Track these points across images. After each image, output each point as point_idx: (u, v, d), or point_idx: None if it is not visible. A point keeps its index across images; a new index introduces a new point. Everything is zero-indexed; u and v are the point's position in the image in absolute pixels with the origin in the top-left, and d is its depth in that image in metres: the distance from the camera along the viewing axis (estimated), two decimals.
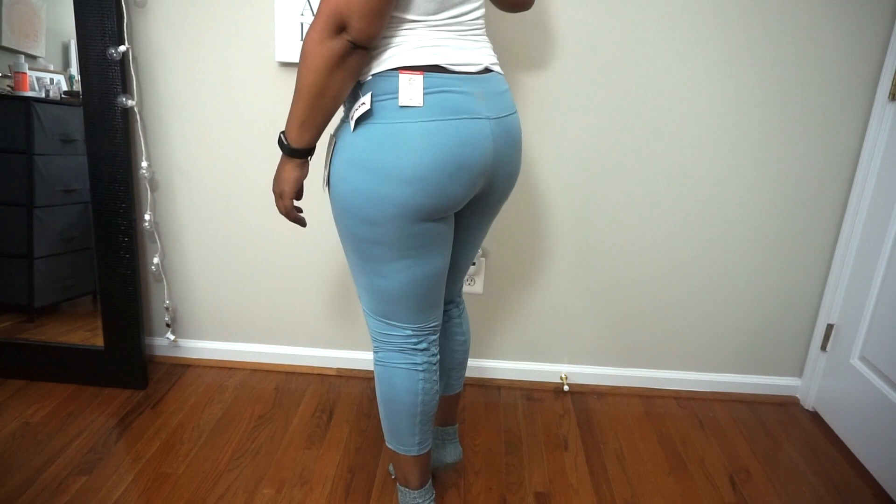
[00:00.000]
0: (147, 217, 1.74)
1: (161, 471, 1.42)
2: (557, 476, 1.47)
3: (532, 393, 1.82)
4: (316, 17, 0.84)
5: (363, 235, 0.98)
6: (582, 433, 1.64)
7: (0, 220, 1.67)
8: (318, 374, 1.87)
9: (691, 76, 1.57)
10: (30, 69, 1.58)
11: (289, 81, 1.61)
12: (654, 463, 1.54)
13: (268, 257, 1.79)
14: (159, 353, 1.91)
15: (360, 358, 1.87)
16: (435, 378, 1.13)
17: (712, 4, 1.51)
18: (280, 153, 0.95)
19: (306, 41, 0.85)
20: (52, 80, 1.59)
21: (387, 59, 0.92)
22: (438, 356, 1.16)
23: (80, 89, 1.57)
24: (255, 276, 1.81)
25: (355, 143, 0.93)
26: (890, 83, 1.52)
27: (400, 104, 0.90)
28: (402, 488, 1.23)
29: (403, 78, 0.90)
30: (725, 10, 1.51)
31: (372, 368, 1.88)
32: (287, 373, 1.87)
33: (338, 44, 0.84)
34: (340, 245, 1.76)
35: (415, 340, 1.10)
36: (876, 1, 1.49)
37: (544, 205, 1.70)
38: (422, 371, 1.11)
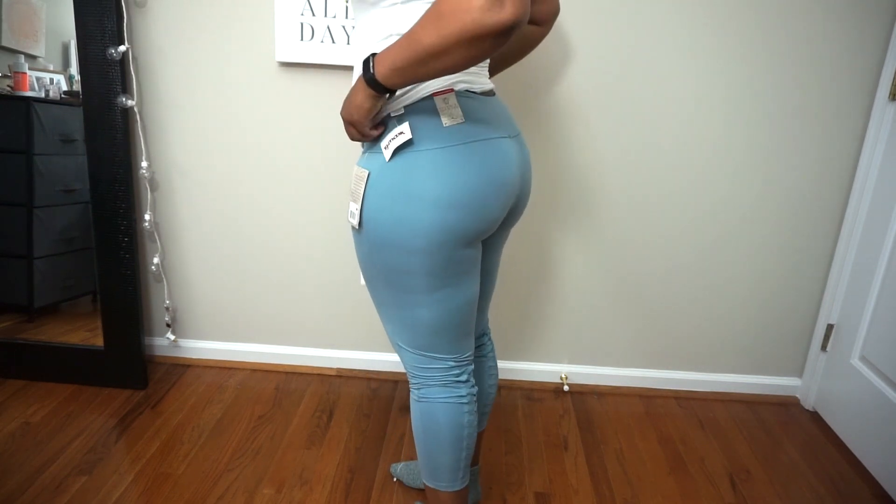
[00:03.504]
0: (147, 217, 1.74)
1: (161, 471, 1.42)
2: (557, 476, 1.47)
3: (532, 393, 1.82)
4: None
5: (404, 268, 0.94)
6: (582, 433, 1.64)
7: (0, 220, 1.67)
8: (318, 374, 1.87)
9: (691, 77, 1.57)
10: (30, 69, 1.58)
11: (289, 81, 1.61)
12: (654, 463, 1.54)
13: (268, 257, 1.79)
14: (159, 353, 1.91)
15: (360, 358, 1.87)
16: (475, 409, 1.11)
17: (711, 5, 1.51)
18: (358, 76, 0.87)
19: (451, 8, 0.73)
20: (52, 80, 1.59)
21: (420, 90, 0.90)
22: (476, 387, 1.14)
23: (80, 89, 1.57)
24: (255, 276, 1.81)
25: (394, 173, 0.90)
26: (890, 83, 1.52)
27: (445, 125, 0.89)
28: None
29: (438, 100, 0.89)
30: (725, 11, 1.51)
31: (372, 368, 1.88)
32: (287, 373, 1.87)
33: (488, 19, 0.72)
34: (341, 245, 1.76)
35: (457, 372, 1.06)
36: (876, 1, 1.49)
37: (544, 207, 1.70)
38: (466, 404, 1.07)
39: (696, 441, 1.63)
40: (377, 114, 0.91)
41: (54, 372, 1.74)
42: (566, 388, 1.84)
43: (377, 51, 0.87)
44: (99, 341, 1.72)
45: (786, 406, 1.82)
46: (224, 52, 1.60)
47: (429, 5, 0.85)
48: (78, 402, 1.67)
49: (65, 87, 1.60)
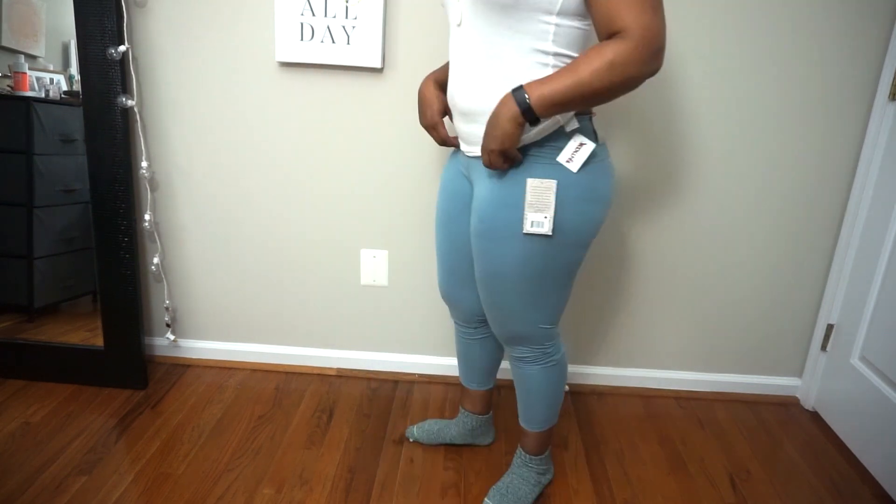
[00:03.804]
0: (147, 217, 1.74)
1: (161, 471, 1.42)
2: (557, 476, 1.47)
3: None
4: (642, 37, 0.87)
5: (578, 259, 1.11)
6: (582, 433, 1.64)
7: (0, 220, 1.67)
8: (318, 374, 1.87)
9: (690, 76, 1.57)
10: (30, 69, 1.58)
11: (289, 81, 1.61)
12: (654, 463, 1.54)
13: (268, 257, 1.79)
14: (159, 353, 1.91)
15: (360, 358, 1.87)
16: None
17: (711, 6, 1.51)
18: (503, 105, 0.97)
19: (633, 54, 0.88)
20: (52, 80, 1.59)
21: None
22: None
23: (80, 89, 1.57)
24: (255, 275, 1.81)
25: (582, 180, 1.03)
26: (890, 83, 1.52)
27: (599, 142, 1.07)
28: (546, 453, 1.39)
29: (594, 120, 1.09)
30: (724, 11, 1.51)
31: (372, 368, 1.88)
32: (287, 373, 1.87)
33: (651, 69, 0.90)
34: (341, 247, 1.76)
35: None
36: (876, 1, 1.49)
37: None
38: None
39: (696, 441, 1.63)
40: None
41: (54, 372, 1.74)
42: (566, 388, 1.84)
43: (514, 70, 0.99)
44: (99, 341, 1.72)
45: (786, 406, 1.82)
46: (224, 52, 1.60)
47: (582, 29, 0.98)
48: (78, 402, 1.67)
49: (65, 87, 1.60)
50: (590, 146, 1.01)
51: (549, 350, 1.23)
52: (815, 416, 1.77)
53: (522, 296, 1.13)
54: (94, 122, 1.57)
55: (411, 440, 1.56)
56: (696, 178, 1.66)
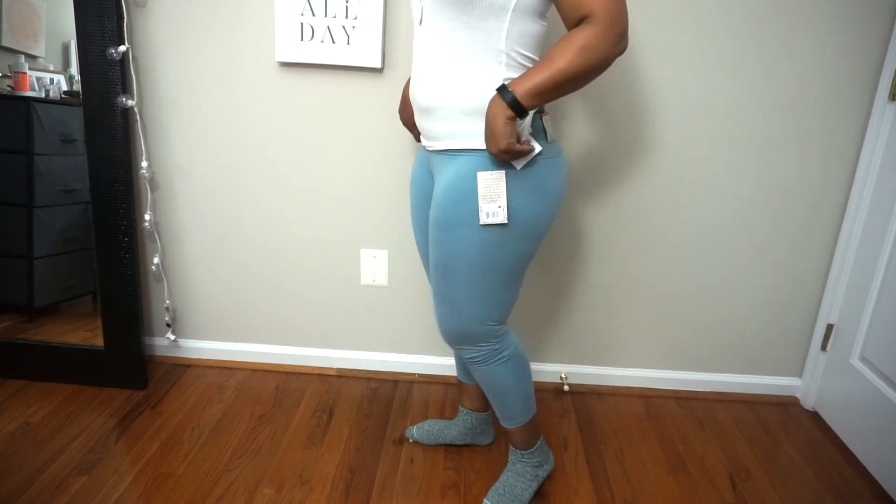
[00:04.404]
0: (147, 217, 1.74)
1: (161, 471, 1.42)
2: (557, 476, 1.47)
3: None
4: (606, 19, 0.94)
5: (526, 252, 1.14)
6: (582, 433, 1.64)
7: (0, 220, 1.67)
8: (318, 374, 1.87)
9: (690, 76, 1.57)
10: (30, 69, 1.58)
11: (289, 81, 1.61)
12: (654, 463, 1.54)
13: (268, 257, 1.79)
14: (159, 353, 1.91)
15: (360, 358, 1.87)
16: None
17: (711, 5, 1.51)
18: (504, 108, 1.00)
19: (601, 37, 0.94)
20: (52, 80, 1.59)
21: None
22: None
23: (80, 89, 1.57)
24: (255, 275, 1.81)
25: (530, 173, 1.08)
26: (890, 83, 1.52)
27: (549, 140, 1.11)
28: (537, 444, 1.37)
29: (545, 119, 1.11)
30: (725, 11, 1.51)
31: (372, 368, 1.88)
32: (287, 373, 1.87)
33: (619, 50, 0.97)
34: (341, 247, 1.76)
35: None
36: (876, 1, 1.49)
37: None
38: None
39: (696, 441, 1.63)
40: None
41: (54, 372, 1.74)
42: (566, 388, 1.84)
43: (470, 67, 1.03)
44: (99, 341, 1.72)
45: (786, 406, 1.82)
46: (224, 51, 1.60)
47: (536, 27, 1.04)
48: (78, 402, 1.67)
49: (65, 87, 1.60)
50: (537, 148, 1.06)
51: (497, 347, 1.22)
52: (815, 416, 1.77)
53: (473, 288, 1.14)
54: (94, 122, 1.57)
55: (411, 440, 1.56)
56: (695, 177, 1.66)
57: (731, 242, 1.72)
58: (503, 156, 1.03)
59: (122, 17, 1.53)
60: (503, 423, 1.33)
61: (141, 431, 1.55)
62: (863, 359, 1.60)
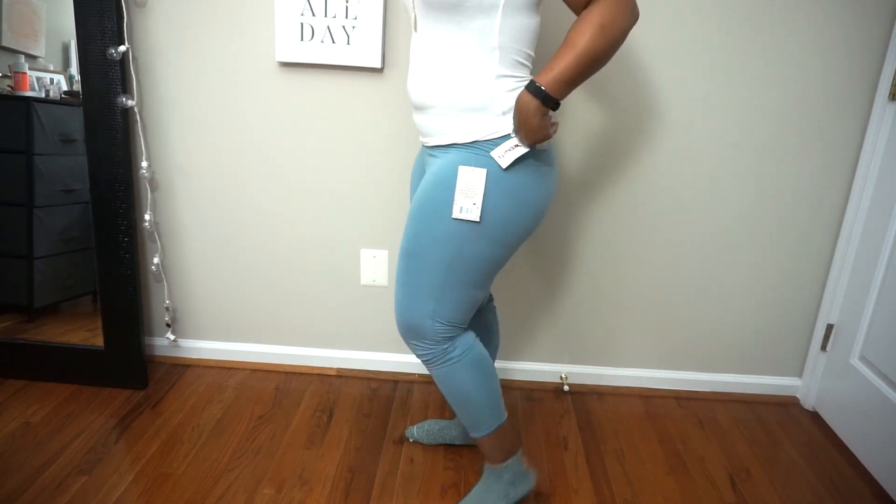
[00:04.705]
0: (147, 217, 1.74)
1: (161, 471, 1.42)
2: (557, 476, 1.47)
3: (532, 393, 1.82)
4: None
5: (492, 257, 1.11)
6: (582, 433, 1.64)
7: (0, 220, 1.67)
8: (318, 374, 1.87)
9: (690, 76, 1.57)
10: (30, 69, 1.58)
11: (289, 81, 1.61)
12: (654, 463, 1.54)
13: (268, 257, 1.79)
14: (159, 353, 1.91)
15: (360, 358, 1.87)
16: None
17: (711, 5, 1.51)
18: (536, 104, 1.00)
19: (616, 10, 0.95)
20: (52, 80, 1.59)
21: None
22: None
23: (80, 89, 1.57)
24: (255, 275, 1.81)
25: (512, 178, 1.06)
26: (890, 83, 1.52)
27: (538, 147, 1.07)
28: (511, 460, 1.28)
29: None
30: (724, 11, 1.51)
31: (372, 368, 1.88)
32: (287, 373, 1.87)
33: (635, 18, 0.98)
34: (341, 247, 1.76)
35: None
36: (876, 1, 1.49)
37: None
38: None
39: (696, 441, 1.63)
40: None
41: (54, 372, 1.74)
42: (566, 388, 1.84)
43: (462, 65, 1.04)
44: (99, 341, 1.72)
45: (786, 406, 1.82)
46: (224, 51, 1.60)
47: (527, 23, 1.04)
48: (78, 402, 1.67)
49: (65, 87, 1.60)
50: (522, 149, 1.05)
51: (446, 347, 1.18)
52: (815, 416, 1.77)
53: (431, 279, 1.12)
54: (94, 122, 1.57)
55: (411, 440, 1.56)
56: (695, 178, 1.66)
57: (731, 242, 1.72)
58: (535, 141, 1.04)
59: (122, 17, 1.53)
60: (469, 432, 1.27)
61: (141, 431, 1.55)
62: (863, 359, 1.60)
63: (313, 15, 1.52)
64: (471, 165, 1.06)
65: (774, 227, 1.70)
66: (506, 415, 1.26)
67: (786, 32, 1.52)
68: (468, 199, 1.06)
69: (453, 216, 1.07)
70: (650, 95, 1.59)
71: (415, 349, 1.20)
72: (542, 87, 0.98)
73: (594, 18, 0.95)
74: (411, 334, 1.18)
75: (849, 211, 1.65)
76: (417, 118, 1.16)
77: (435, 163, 1.13)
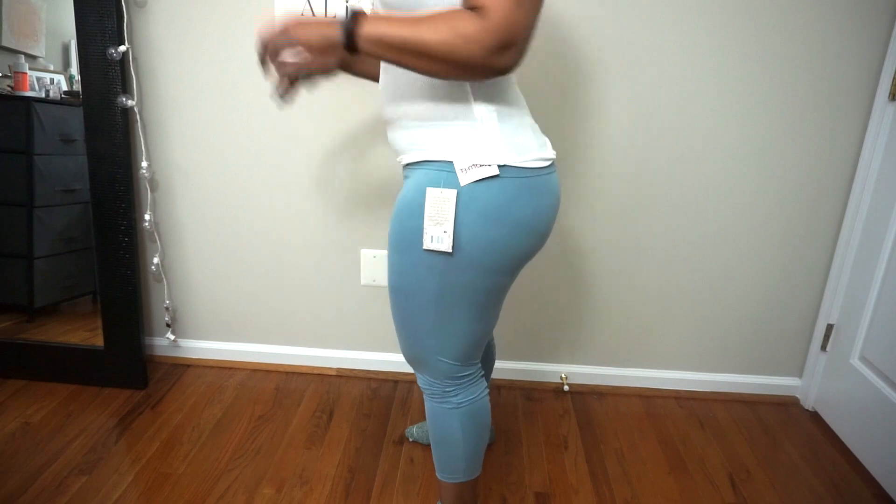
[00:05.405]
0: (147, 217, 1.74)
1: (161, 471, 1.42)
2: (557, 476, 1.47)
3: (532, 393, 1.82)
4: (493, 20, 0.75)
5: (483, 287, 0.97)
6: (582, 433, 1.64)
7: (0, 220, 1.67)
8: (318, 374, 1.87)
9: (690, 76, 1.57)
10: (30, 69, 1.58)
11: None
12: (654, 463, 1.54)
13: (268, 257, 1.79)
14: (159, 353, 1.91)
15: (360, 358, 1.87)
16: None
17: (711, 5, 1.51)
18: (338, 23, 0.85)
19: (479, 33, 0.76)
20: (52, 80, 1.59)
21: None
22: None
23: (80, 89, 1.57)
24: (255, 275, 1.81)
25: (489, 196, 0.91)
26: (890, 83, 1.52)
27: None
28: None
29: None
30: (724, 10, 1.51)
31: (372, 368, 1.88)
32: (287, 373, 1.87)
33: (493, 61, 0.78)
34: (341, 247, 1.76)
35: (479, 371, 1.11)
36: (876, 1, 1.49)
37: None
38: (488, 394, 1.14)
39: (696, 441, 1.63)
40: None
41: (54, 372, 1.74)
42: (566, 388, 1.84)
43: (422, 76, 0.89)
44: (99, 341, 1.72)
45: (786, 406, 1.82)
46: (224, 52, 1.60)
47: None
48: (78, 402, 1.67)
49: (65, 87, 1.60)
50: (492, 169, 0.90)
51: (448, 390, 1.07)
52: (815, 416, 1.77)
53: (426, 316, 1.00)
54: (94, 122, 1.57)
55: (411, 440, 1.56)
56: (696, 177, 1.66)
57: (731, 242, 1.72)
58: (273, 54, 0.88)
59: (122, 17, 1.53)
60: (437, 473, 1.17)
61: (141, 431, 1.55)
62: (863, 359, 1.60)
63: (313, 15, 1.52)
64: (440, 186, 0.91)
65: (774, 227, 1.70)
66: (479, 472, 1.17)
67: (786, 33, 1.52)
68: (438, 226, 0.92)
69: (424, 247, 0.93)
70: (647, 96, 1.59)
71: (417, 377, 1.12)
72: (356, 28, 0.82)
73: (456, 20, 0.77)
74: (415, 364, 1.09)
75: (849, 211, 1.65)
76: (388, 133, 1.04)
77: (405, 184, 1.00)
